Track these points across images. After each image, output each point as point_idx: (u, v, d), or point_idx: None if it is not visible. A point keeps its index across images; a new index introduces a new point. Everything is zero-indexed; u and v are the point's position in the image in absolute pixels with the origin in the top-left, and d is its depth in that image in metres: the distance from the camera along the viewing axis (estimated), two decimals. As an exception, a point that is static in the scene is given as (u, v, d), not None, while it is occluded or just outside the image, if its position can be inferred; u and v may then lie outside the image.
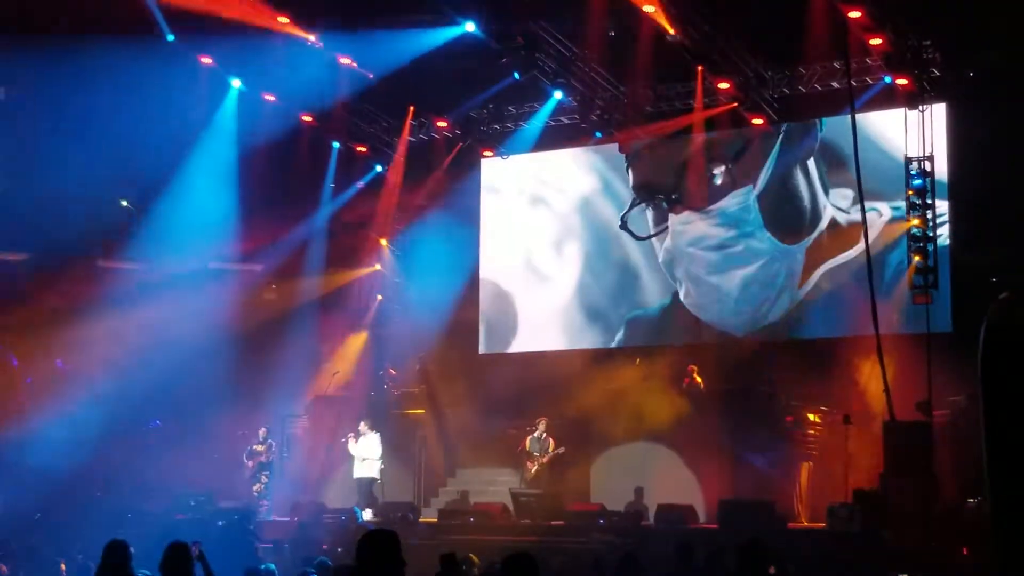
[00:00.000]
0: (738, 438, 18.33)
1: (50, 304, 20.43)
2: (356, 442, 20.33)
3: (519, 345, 23.39)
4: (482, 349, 23.51)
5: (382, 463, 20.44)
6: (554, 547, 15.84)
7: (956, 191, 19.13)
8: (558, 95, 21.31)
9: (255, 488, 20.56)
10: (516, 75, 19.99)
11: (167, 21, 19.17)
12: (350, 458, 20.43)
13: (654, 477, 18.97)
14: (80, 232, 20.43)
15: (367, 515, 19.21)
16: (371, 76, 20.82)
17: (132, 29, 18.45)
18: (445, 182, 23.67)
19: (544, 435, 19.76)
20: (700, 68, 19.72)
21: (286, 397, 22.32)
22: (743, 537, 9.44)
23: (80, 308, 20.47)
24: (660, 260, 22.12)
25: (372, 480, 20.39)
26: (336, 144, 23.63)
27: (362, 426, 20.50)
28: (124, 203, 22.28)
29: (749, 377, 19.79)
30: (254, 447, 20.82)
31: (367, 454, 20.29)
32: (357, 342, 23.98)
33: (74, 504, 18.39)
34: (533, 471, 19.65)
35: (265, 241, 22.86)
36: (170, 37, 19.51)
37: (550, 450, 19.63)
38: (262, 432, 20.96)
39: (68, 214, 19.89)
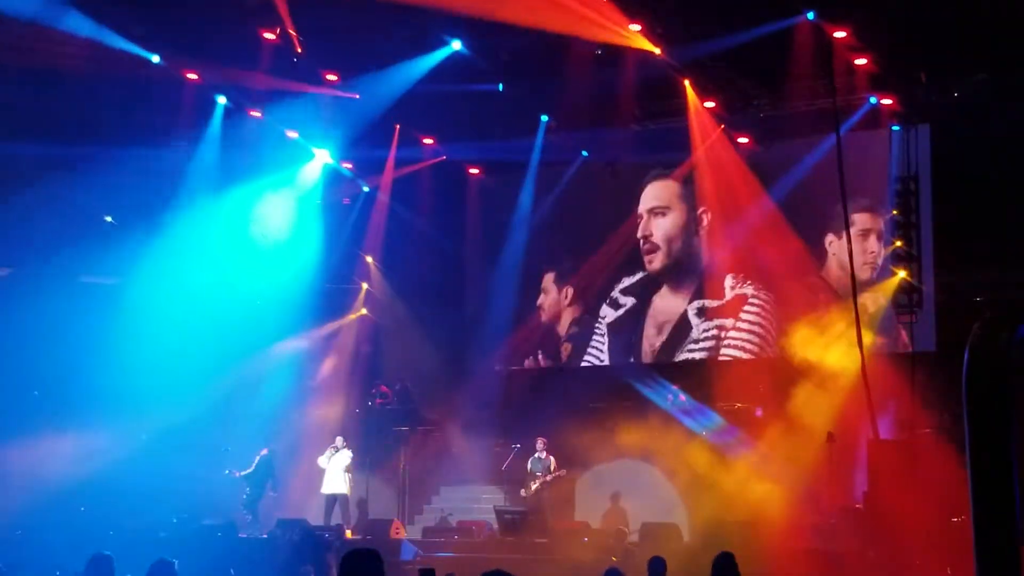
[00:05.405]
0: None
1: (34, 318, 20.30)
2: (329, 457, 20.29)
3: (507, 362, 23.34)
4: (469, 366, 23.43)
5: (351, 479, 20.40)
6: (538, 564, 15.84)
7: (940, 211, 19.23)
8: (544, 117, 21.43)
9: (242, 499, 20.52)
10: (500, 87, 20.01)
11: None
12: (321, 472, 20.39)
13: (638, 495, 18.94)
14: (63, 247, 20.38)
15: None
16: (357, 96, 20.76)
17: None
18: (432, 199, 23.65)
19: (545, 454, 19.64)
20: (687, 83, 19.72)
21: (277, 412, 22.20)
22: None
23: (63, 323, 20.34)
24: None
25: (343, 496, 20.37)
26: (324, 161, 23.56)
27: (337, 441, 20.46)
28: (108, 219, 22.21)
29: (733, 394, 19.81)
30: (255, 460, 20.76)
31: (338, 469, 20.24)
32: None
33: (56, 520, 18.27)
34: (533, 488, 19.42)
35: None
36: (156, 58, 19.47)
37: (552, 469, 19.48)
38: (264, 452, 20.86)
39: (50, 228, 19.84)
